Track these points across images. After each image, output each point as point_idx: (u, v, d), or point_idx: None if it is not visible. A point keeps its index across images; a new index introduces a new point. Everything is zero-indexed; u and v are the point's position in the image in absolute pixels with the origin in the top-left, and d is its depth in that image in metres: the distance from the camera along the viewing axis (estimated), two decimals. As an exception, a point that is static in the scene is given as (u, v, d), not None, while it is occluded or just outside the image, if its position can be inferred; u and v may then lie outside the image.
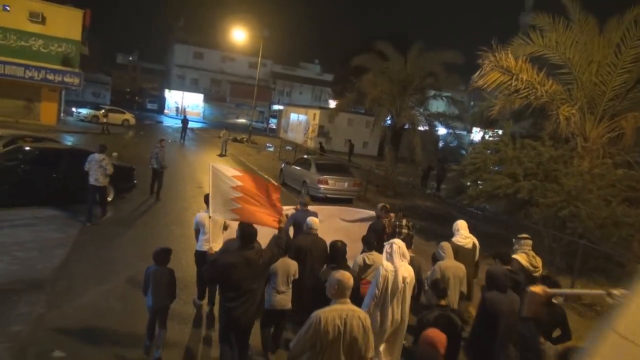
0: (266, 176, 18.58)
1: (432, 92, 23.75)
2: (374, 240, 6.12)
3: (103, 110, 33.07)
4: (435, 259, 6.27)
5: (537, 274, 6.26)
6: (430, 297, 5.17)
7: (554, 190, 10.45)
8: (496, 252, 6.30)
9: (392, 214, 7.90)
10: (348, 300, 3.65)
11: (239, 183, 5.35)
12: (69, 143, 20.38)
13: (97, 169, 10.35)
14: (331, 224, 7.45)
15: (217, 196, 5.31)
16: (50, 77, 27.68)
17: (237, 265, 4.45)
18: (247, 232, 4.70)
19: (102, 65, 59.86)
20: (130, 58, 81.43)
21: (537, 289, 4.07)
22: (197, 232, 6.66)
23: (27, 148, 11.58)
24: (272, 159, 27.23)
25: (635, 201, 10.57)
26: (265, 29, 38.99)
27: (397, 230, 7.56)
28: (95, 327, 5.94)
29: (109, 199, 11.84)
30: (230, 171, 5.48)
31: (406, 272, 5.10)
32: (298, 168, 17.52)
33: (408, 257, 5.24)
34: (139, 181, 13.19)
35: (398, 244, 5.22)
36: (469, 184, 12.61)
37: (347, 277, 3.65)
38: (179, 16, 66.27)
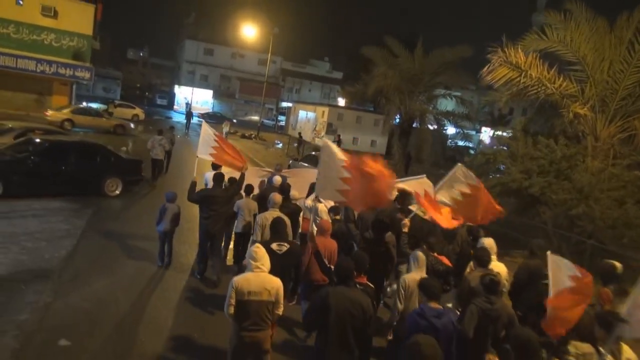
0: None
1: (442, 91, 23.66)
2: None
3: (109, 106, 34.11)
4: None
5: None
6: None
7: (566, 188, 10.35)
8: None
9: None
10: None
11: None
12: (78, 137, 20.50)
13: (158, 146, 13.94)
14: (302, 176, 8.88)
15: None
16: (62, 71, 27.83)
17: (212, 195, 7.34)
18: (218, 176, 7.53)
19: (112, 60, 60.34)
20: (141, 53, 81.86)
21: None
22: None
23: (37, 140, 11.67)
24: (280, 156, 27.25)
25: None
26: (276, 26, 38.86)
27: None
28: (100, 317, 5.97)
29: (117, 192, 11.99)
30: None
31: None
32: (306, 165, 17.51)
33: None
34: (146, 174, 13.27)
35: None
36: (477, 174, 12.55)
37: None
38: (190, 12, 66.20)
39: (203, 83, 61.73)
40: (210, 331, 5.97)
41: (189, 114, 34.64)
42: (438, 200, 6.11)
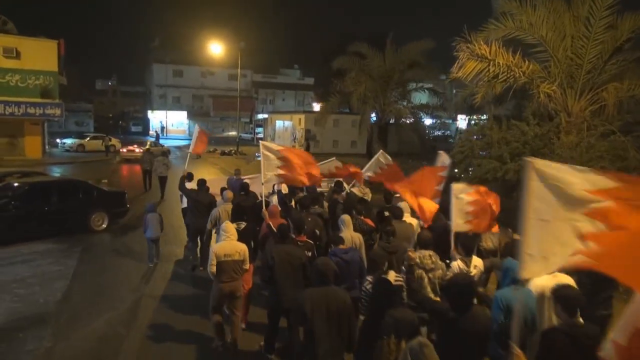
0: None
1: (414, 85, 23.95)
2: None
3: (107, 137, 34.88)
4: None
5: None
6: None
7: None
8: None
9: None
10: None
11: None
12: (58, 174, 20.26)
13: (162, 165, 16.05)
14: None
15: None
16: (31, 110, 27.45)
17: (196, 200, 8.95)
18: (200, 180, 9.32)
19: (82, 93, 59.54)
20: (110, 83, 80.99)
21: None
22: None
23: (16, 184, 11.50)
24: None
25: (624, 170, 10.71)
26: (241, 40, 39.02)
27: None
28: (104, 355, 5.93)
29: (104, 226, 11.88)
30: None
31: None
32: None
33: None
34: (131, 206, 13.13)
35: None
36: (456, 171, 12.70)
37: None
38: (154, 36, 65.80)
39: (176, 105, 61.36)
40: (214, 356, 5.96)
41: (157, 136, 41.01)
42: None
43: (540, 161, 3.17)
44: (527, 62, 11.97)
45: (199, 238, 9.09)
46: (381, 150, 9.75)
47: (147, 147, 24.00)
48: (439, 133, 29.66)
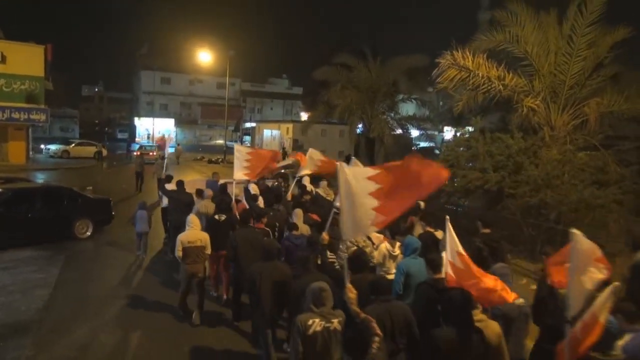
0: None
1: (401, 96, 24.16)
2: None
3: (99, 144, 35.74)
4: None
5: None
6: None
7: (523, 180, 10.76)
8: None
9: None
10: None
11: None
12: (41, 181, 20.00)
13: (160, 169, 16.05)
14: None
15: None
16: (16, 115, 27.10)
17: (177, 199, 9.90)
18: (179, 182, 10.32)
19: (68, 99, 58.96)
20: (97, 89, 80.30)
21: None
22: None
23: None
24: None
25: (604, 183, 10.94)
26: (231, 49, 38.99)
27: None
28: (87, 364, 5.85)
29: (88, 233, 11.75)
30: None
31: None
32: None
33: None
34: (124, 204, 13.03)
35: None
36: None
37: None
38: (143, 43, 65.57)
39: (163, 112, 61.10)
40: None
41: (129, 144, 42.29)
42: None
43: (349, 169, 4.48)
44: (510, 75, 12.21)
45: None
46: (310, 149, 10.83)
47: (140, 152, 26.34)
48: (425, 144, 29.88)
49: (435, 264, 4.80)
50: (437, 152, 21.37)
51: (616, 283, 3.94)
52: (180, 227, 8.67)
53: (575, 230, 3.72)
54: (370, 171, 4.49)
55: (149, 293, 8.31)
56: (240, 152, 9.27)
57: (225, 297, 7.82)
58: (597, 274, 3.80)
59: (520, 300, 4.66)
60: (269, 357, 5.53)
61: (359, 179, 4.33)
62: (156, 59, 59.80)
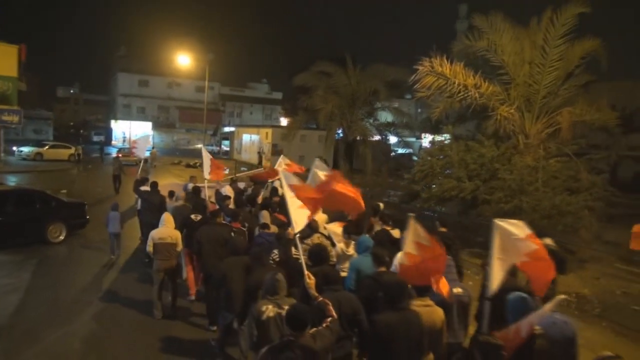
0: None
1: (380, 104, 24.38)
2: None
3: (79, 147, 35.98)
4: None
5: None
6: None
7: (498, 186, 10.99)
8: None
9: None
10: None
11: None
12: (13, 183, 19.50)
13: (142, 171, 14.49)
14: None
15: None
16: (-13, 116, 26.42)
17: (148, 200, 10.34)
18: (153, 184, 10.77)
19: (42, 100, 57.64)
20: (72, 91, 78.59)
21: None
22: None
23: (-31, 193, 11.03)
24: (228, 182, 26.99)
25: (576, 190, 11.25)
26: (210, 52, 38.81)
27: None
28: (59, 371, 5.73)
29: (62, 237, 11.49)
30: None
31: None
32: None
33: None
34: (91, 215, 12.76)
35: None
36: (420, 188, 13.01)
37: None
38: (120, 44, 64.69)
39: (141, 115, 60.27)
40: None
41: (102, 146, 41.25)
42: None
43: (284, 176, 5.22)
44: (486, 83, 12.47)
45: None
46: (281, 156, 11.34)
47: (119, 154, 25.97)
48: (404, 151, 30.19)
49: (378, 258, 5.00)
50: (415, 158, 21.59)
51: (561, 296, 4.14)
52: (152, 226, 8.79)
53: (496, 220, 4.35)
54: (297, 183, 5.14)
55: (122, 294, 8.23)
56: (206, 157, 10.33)
57: (194, 296, 8.13)
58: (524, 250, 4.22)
59: (459, 290, 4.75)
60: (224, 339, 6.01)
61: (284, 185, 5.11)
62: (134, 61, 59.05)
